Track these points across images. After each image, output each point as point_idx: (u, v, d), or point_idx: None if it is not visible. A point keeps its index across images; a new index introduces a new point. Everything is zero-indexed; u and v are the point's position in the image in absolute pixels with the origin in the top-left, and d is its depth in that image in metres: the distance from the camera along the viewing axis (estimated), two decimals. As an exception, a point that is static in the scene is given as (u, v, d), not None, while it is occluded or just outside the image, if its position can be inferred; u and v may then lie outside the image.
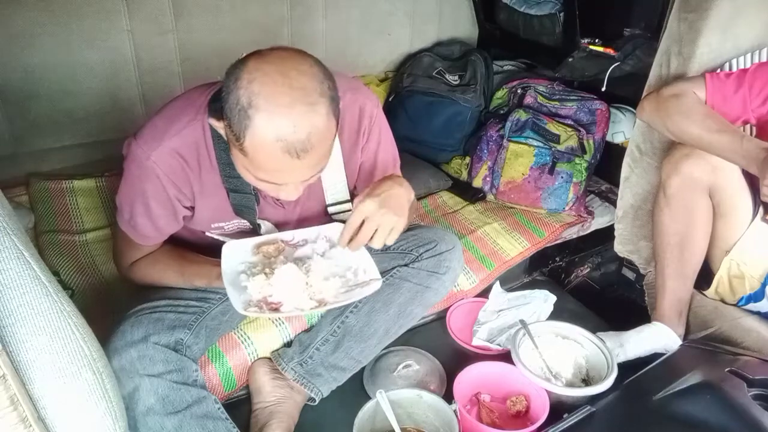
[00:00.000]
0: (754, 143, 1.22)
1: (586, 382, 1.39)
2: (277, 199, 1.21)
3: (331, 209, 1.29)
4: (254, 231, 1.24)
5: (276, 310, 1.05)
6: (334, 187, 1.26)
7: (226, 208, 1.18)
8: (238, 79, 0.91)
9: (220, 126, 0.99)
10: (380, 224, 1.05)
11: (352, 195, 1.32)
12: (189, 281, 1.23)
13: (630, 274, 1.96)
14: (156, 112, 1.12)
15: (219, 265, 1.12)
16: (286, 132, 0.90)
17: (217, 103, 1.02)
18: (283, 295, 1.06)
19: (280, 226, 1.26)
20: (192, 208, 1.18)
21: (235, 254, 1.14)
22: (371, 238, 1.06)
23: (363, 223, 1.05)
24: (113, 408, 0.89)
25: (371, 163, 1.29)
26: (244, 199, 1.16)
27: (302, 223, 1.28)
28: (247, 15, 1.96)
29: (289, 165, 0.93)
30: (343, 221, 1.10)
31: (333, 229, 1.20)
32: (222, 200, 1.17)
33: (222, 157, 1.11)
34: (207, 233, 1.24)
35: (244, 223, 1.23)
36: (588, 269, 2.11)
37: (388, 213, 1.05)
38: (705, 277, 1.49)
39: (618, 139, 2.13)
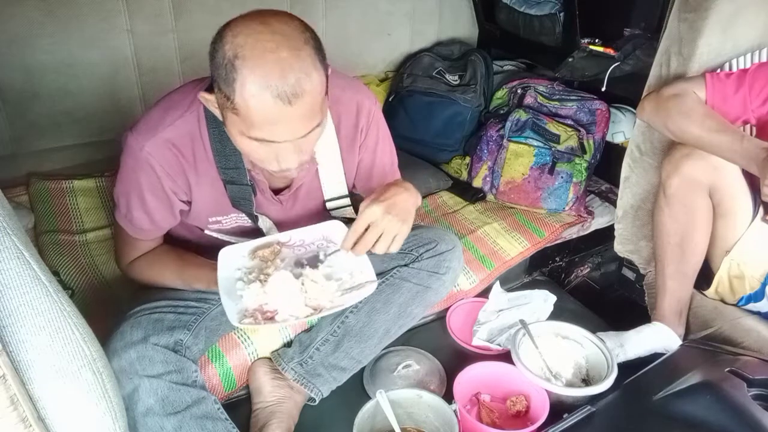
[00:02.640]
0: (754, 143, 1.22)
1: (586, 382, 1.39)
2: (275, 194, 1.21)
3: (329, 204, 1.29)
4: (253, 227, 1.24)
5: (272, 318, 1.05)
6: (332, 183, 1.27)
7: (222, 201, 1.18)
8: (222, 36, 0.91)
9: (212, 99, 0.98)
10: (384, 230, 1.05)
11: (351, 194, 1.32)
12: (188, 284, 1.23)
13: (630, 274, 1.96)
14: (152, 104, 1.12)
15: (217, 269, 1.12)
16: (274, 76, 0.89)
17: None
18: (278, 302, 1.06)
19: (278, 223, 1.26)
20: (189, 203, 1.18)
21: (232, 260, 1.14)
22: (374, 244, 1.06)
23: (368, 228, 1.06)
24: (113, 408, 0.89)
25: (369, 161, 1.29)
26: (240, 191, 1.16)
27: (300, 221, 1.27)
28: (247, 15, 1.96)
29: (282, 114, 0.91)
30: (343, 218, 1.09)
31: (331, 228, 1.20)
32: (219, 193, 1.17)
33: (217, 148, 1.10)
34: (206, 231, 1.25)
35: (242, 218, 1.23)
36: (588, 269, 2.11)
37: (393, 219, 1.06)
38: (705, 277, 1.49)
39: (618, 139, 2.13)
